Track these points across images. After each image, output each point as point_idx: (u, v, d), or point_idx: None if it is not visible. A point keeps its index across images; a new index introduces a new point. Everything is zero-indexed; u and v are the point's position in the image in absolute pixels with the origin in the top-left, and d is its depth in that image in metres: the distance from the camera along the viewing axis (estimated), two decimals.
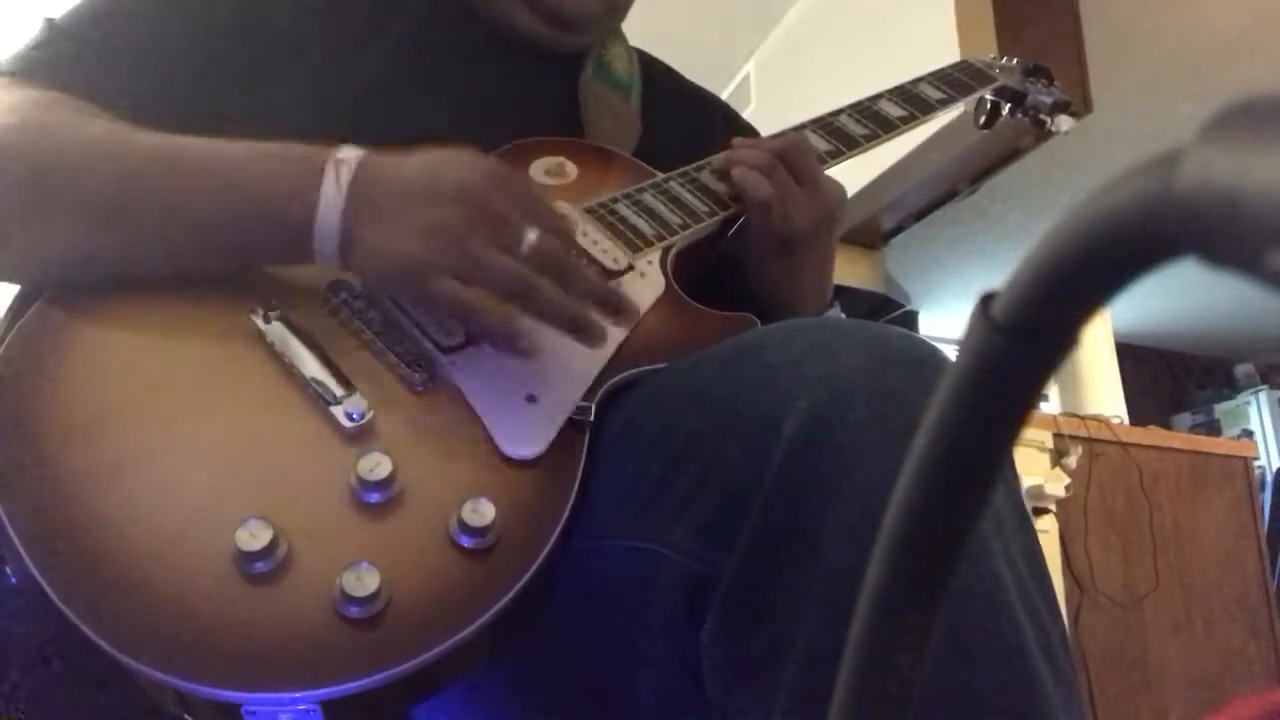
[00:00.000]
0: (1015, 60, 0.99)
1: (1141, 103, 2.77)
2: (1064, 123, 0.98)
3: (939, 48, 2.09)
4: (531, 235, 0.54)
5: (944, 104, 0.87)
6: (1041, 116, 0.97)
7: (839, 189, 0.74)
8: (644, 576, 0.49)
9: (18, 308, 0.58)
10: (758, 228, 0.72)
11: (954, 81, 0.90)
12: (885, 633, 0.22)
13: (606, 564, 0.52)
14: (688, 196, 0.72)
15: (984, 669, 0.40)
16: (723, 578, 0.45)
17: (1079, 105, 2.18)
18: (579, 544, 0.52)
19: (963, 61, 0.94)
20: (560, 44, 0.80)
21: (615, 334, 0.61)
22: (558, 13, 0.78)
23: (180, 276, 0.56)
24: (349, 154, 0.55)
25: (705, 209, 0.71)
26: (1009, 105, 0.97)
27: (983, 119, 0.96)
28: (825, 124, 0.81)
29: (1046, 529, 2.09)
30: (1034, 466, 2.13)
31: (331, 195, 0.53)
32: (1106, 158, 2.65)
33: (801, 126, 0.80)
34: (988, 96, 0.94)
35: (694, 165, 0.74)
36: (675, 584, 0.48)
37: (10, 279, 0.59)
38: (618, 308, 0.57)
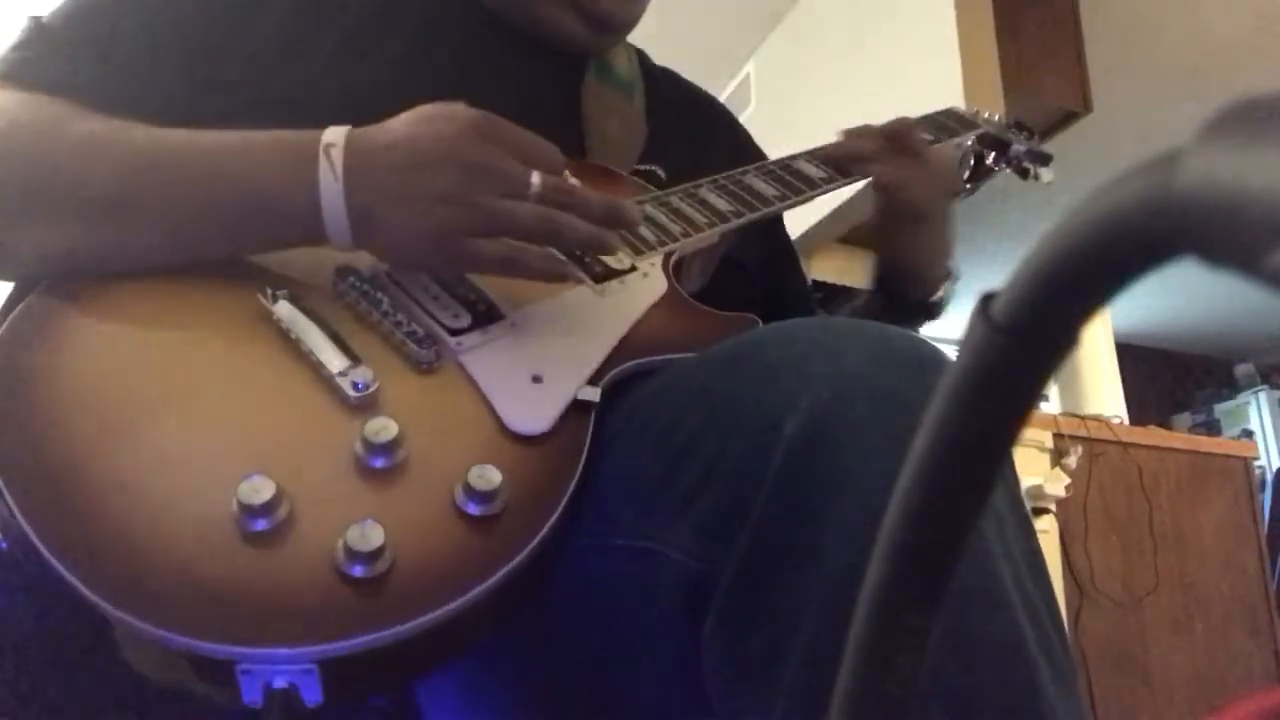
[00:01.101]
0: (998, 116, 1.06)
1: (1141, 103, 2.78)
2: (1046, 174, 1.07)
3: (939, 48, 2.09)
4: (534, 176, 0.56)
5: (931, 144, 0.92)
6: (1025, 165, 1.05)
7: (949, 158, 0.85)
8: (645, 575, 0.49)
9: (17, 295, 0.58)
10: (889, 207, 0.82)
11: (940, 125, 0.96)
12: (885, 633, 0.22)
13: (607, 562, 0.52)
14: (689, 210, 0.73)
15: (984, 669, 0.40)
16: (723, 577, 0.45)
17: (1079, 105, 2.19)
18: (580, 542, 0.52)
19: (949, 109, 1.00)
20: (587, 44, 0.82)
21: (619, 325, 0.61)
22: (606, 18, 0.80)
23: (185, 265, 0.56)
24: (335, 136, 0.55)
25: (705, 220, 0.72)
26: (993, 155, 1.04)
27: (967, 173, 1.04)
28: (817, 154, 0.84)
29: (1046, 529, 2.09)
30: (1034, 466, 2.13)
31: (330, 182, 0.54)
32: (1106, 158, 2.64)
33: (795, 157, 0.83)
34: (971, 148, 1.01)
35: (692, 184, 0.76)
36: (676, 583, 0.48)
37: (8, 278, 0.59)
38: (623, 218, 0.60)
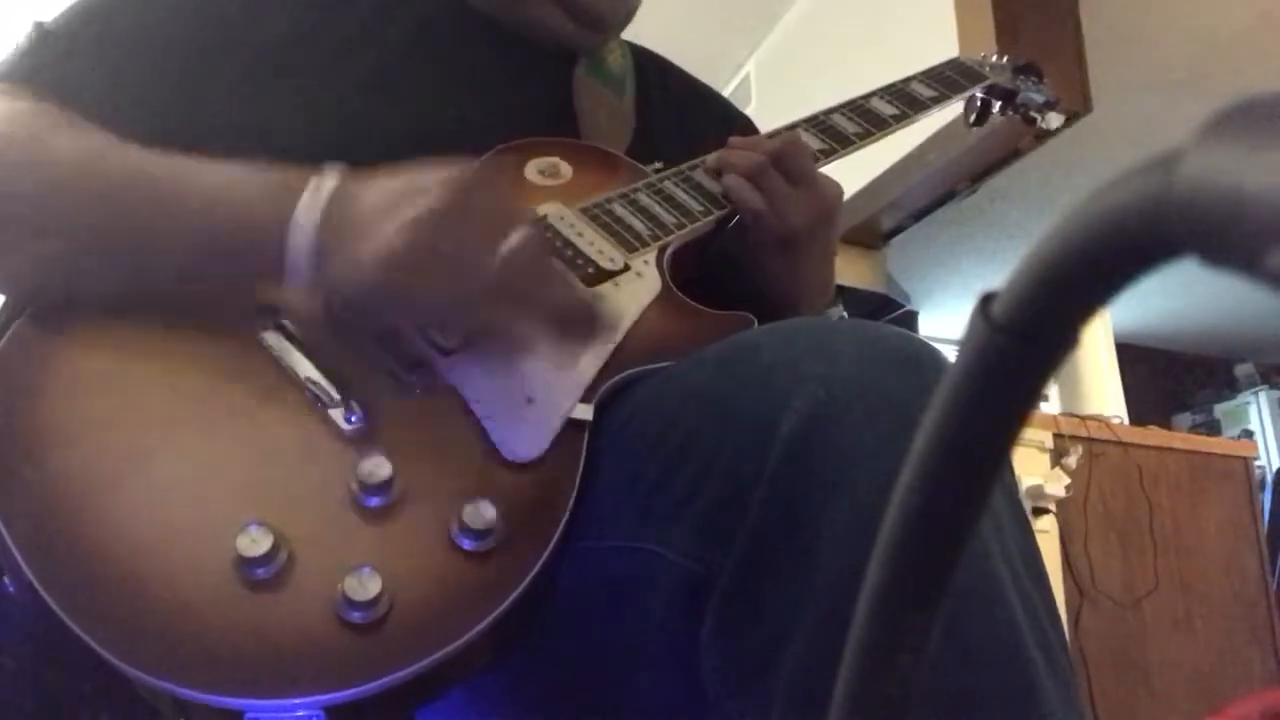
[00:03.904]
0: (1005, 59, 1.00)
1: (1141, 103, 2.77)
2: (1054, 119, 1.00)
3: (939, 48, 2.09)
4: (514, 238, 0.52)
5: (936, 102, 0.88)
6: (1032, 114, 0.99)
7: (835, 187, 0.74)
8: (642, 577, 0.49)
9: (5, 320, 0.58)
10: (754, 230, 0.72)
11: (945, 79, 0.91)
12: (885, 633, 0.22)
13: (605, 565, 0.52)
14: (683, 196, 0.72)
15: (982, 669, 0.40)
16: (721, 577, 0.45)
17: (1079, 105, 2.19)
18: (578, 545, 0.52)
19: (954, 59, 0.95)
20: (578, 42, 0.81)
21: (613, 335, 0.61)
22: (596, 17, 0.79)
23: (155, 295, 0.55)
24: (329, 177, 0.53)
25: (700, 208, 0.71)
26: (999, 103, 0.98)
27: (973, 117, 0.97)
28: (818, 122, 0.81)
29: (1046, 529, 2.09)
30: (1034, 466, 2.12)
31: (307, 205, 0.52)
32: (1106, 158, 2.65)
33: (794, 125, 0.80)
34: (978, 94, 0.95)
35: (688, 164, 0.74)
36: (674, 584, 0.48)
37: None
38: (593, 320, 0.55)
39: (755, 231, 0.72)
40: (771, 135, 0.77)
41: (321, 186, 0.52)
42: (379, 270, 0.50)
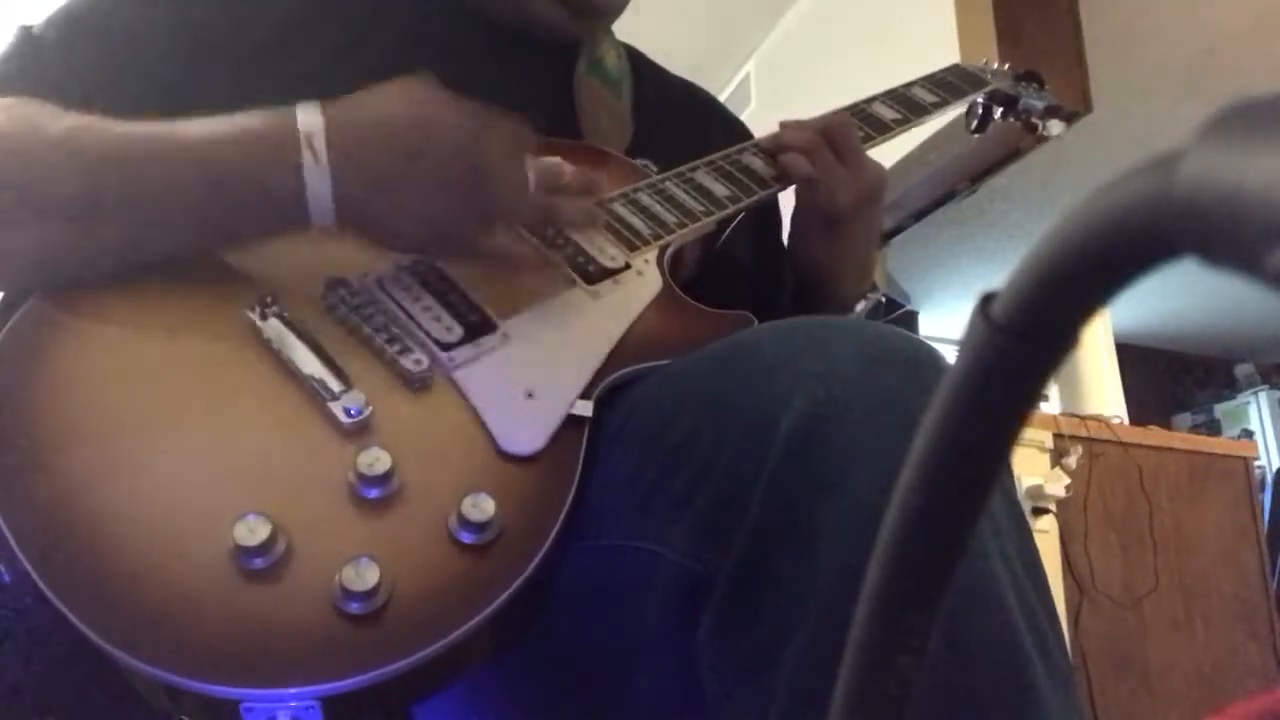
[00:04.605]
0: (1007, 65, 1.01)
1: (1141, 103, 2.77)
2: (1055, 126, 1.02)
3: (939, 48, 2.09)
4: (530, 171, 0.58)
5: (937, 107, 0.89)
6: (1033, 120, 1.00)
7: (881, 169, 0.77)
8: (641, 576, 0.49)
9: (3, 312, 0.58)
10: (803, 205, 0.76)
11: (947, 85, 0.91)
12: (886, 633, 0.22)
13: (604, 564, 0.52)
14: (684, 196, 0.72)
15: (979, 667, 0.40)
16: (720, 577, 0.45)
17: (1079, 105, 2.19)
18: (576, 543, 0.52)
19: (955, 65, 0.95)
20: (572, 32, 0.81)
21: (613, 330, 0.61)
22: (588, 4, 0.80)
23: (167, 265, 0.55)
24: (312, 123, 0.54)
25: (701, 209, 0.72)
26: (1001, 109, 0.99)
27: (974, 124, 0.98)
28: None
29: (1046, 529, 2.09)
30: (1034, 466, 2.12)
31: (314, 171, 0.53)
32: (1106, 158, 2.65)
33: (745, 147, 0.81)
34: (979, 101, 0.96)
35: (688, 166, 0.75)
36: (672, 583, 0.48)
37: None
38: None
39: (804, 208, 0.76)
40: (821, 117, 0.79)
41: (314, 143, 0.53)
42: (424, 234, 0.57)
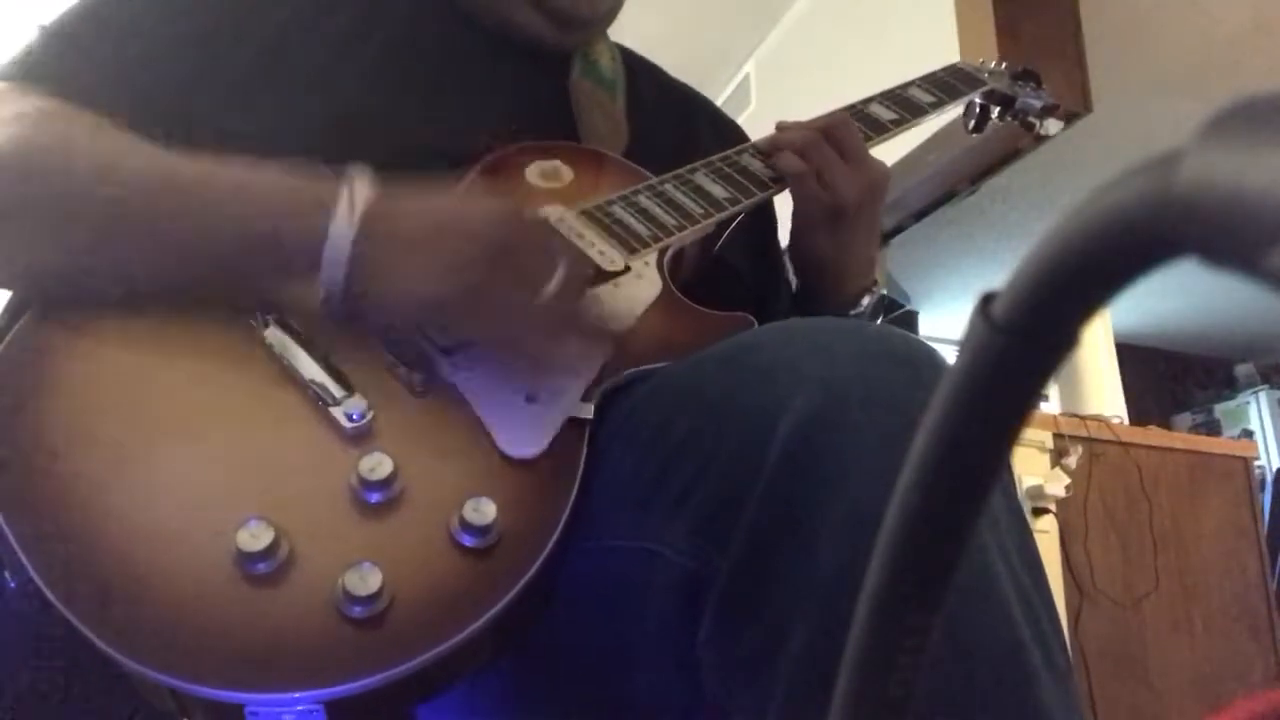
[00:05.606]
0: (1004, 65, 1.01)
1: (1141, 103, 2.77)
2: (1053, 125, 1.02)
3: (939, 48, 2.09)
4: (553, 283, 0.54)
5: (935, 107, 0.89)
6: (1031, 119, 1.00)
7: (884, 166, 0.77)
8: (641, 576, 0.49)
9: (10, 316, 0.58)
10: (803, 202, 0.76)
11: (944, 85, 0.91)
12: (886, 633, 0.22)
13: (604, 564, 0.52)
14: (683, 198, 0.72)
15: (980, 665, 0.40)
16: (719, 577, 0.45)
17: (1079, 105, 2.19)
18: (576, 544, 0.52)
19: (953, 65, 0.95)
20: (559, 43, 0.81)
21: (613, 335, 0.61)
22: (573, 16, 0.79)
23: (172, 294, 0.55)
24: (360, 186, 0.53)
25: (700, 210, 0.72)
26: (998, 109, 0.99)
27: (972, 123, 0.98)
28: None
29: (1046, 529, 2.09)
30: (1034, 466, 2.12)
31: (344, 218, 0.52)
32: (1106, 158, 2.65)
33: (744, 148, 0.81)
34: (977, 100, 0.96)
35: (687, 168, 0.75)
36: (672, 583, 0.48)
37: (7, 286, 0.59)
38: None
39: (803, 204, 0.76)
40: (821, 116, 0.79)
41: (355, 199, 0.52)
42: (423, 310, 0.54)
